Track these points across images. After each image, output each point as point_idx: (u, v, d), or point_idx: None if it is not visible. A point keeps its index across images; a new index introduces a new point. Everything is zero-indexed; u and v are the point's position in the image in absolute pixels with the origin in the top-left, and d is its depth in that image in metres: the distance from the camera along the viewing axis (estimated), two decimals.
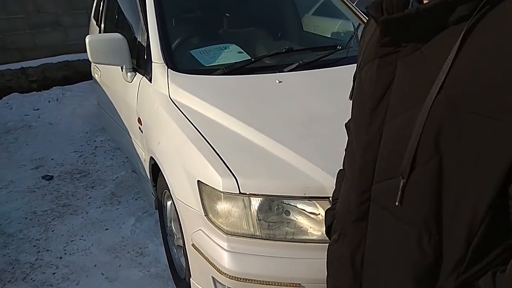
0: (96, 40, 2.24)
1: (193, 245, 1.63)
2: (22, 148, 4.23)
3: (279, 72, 2.11)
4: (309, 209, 1.48)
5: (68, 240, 2.67)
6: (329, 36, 3.08)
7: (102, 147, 4.14)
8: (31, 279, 2.35)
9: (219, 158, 1.56)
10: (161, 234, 2.56)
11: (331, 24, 3.20)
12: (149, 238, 2.63)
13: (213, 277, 1.57)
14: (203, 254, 1.57)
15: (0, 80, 5.77)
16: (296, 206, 1.48)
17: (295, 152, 1.54)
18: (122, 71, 2.37)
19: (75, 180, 3.48)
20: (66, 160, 3.87)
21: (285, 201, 1.49)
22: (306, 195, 1.45)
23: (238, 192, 1.47)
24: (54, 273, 2.39)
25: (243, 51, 2.35)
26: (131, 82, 2.35)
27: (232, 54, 2.33)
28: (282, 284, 1.45)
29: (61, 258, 2.51)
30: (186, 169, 1.65)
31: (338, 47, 2.36)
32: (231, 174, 1.49)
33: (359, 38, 2.78)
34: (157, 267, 2.38)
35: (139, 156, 2.46)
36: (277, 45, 2.68)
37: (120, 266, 2.42)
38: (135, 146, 2.48)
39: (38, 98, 5.70)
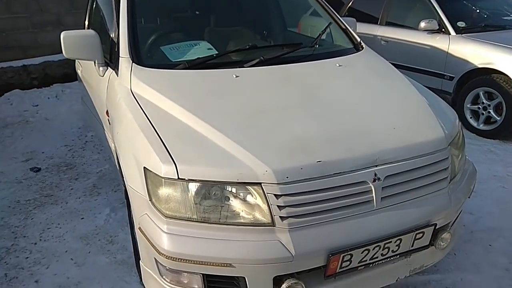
0: (70, 36, 2.35)
1: (139, 228, 1.72)
2: (17, 141, 4.39)
3: (239, 67, 2.19)
4: (242, 194, 1.56)
5: (45, 228, 2.79)
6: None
7: (92, 141, 4.27)
8: (5, 262, 2.47)
9: (163, 146, 1.65)
10: None
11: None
12: (120, 227, 2.73)
13: (155, 259, 1.65)
14: (147, 237, 1.66)
15: (2, 77, 5.97)
16: (231, 191, 1.56)
17: (232, 141, 1.63)
18: (95, 65, 2.48)
19: (61, 172, 3.61)
20: (56, 153, 4.02)
21: (222, 186, 1.57)
22: (239, 181, 1.53)
23: (177, 178, 1.56)
24: (27, 258, 2.50)
25: (213, 48, 2.44)
26: (103, 76, 2.46)
27: (201, 50, 2.41)
28: (215, 264, 1.53)
29: (35, 244, 2.63)
30: (135, 156, 1.74)
31: (300, 45, 2.43)
32: (172, 161, 1.58)
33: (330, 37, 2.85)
34: (123, 254, 2.48)
35: (110, 148, 2.56)
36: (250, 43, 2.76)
37: (89, 252, 2.52)
38: (107, 138, 2.58)
39: (38, 95, 5.89)
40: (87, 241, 2.63)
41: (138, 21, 2.50)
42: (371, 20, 5.44)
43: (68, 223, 2.83)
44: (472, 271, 2.31)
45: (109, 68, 2.45)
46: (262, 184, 1.53)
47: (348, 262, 1.63)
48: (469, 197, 2.01)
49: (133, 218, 1.81)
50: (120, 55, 2.26)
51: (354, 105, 1.94)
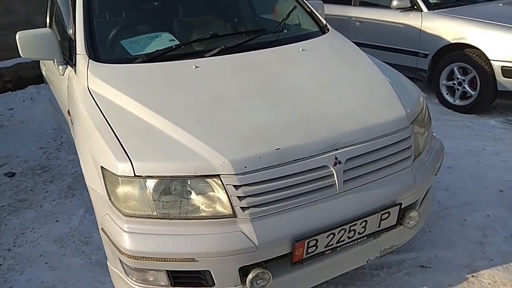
0: (26, 35, 2.27)
1: (102, 229, 1.69)
2: None
3: (200, 57, 2.14)
4: (201, 187, 1.53)
5: (19, 233, 2.75)
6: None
7: (67, 142, 4.19)
8: None
9: (118, 144, 1.61)
10: None
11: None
12: (95, 228, 2.67)
13: (119, 259, 1.63)
14: (109, 237, 1.63)
15: None
16: (190, 185, 1.54)
17: (189, 134, 1.59)
18: (54, 64, 2.41)
19: (36, 175, 3.55)
20: (31, 156, 3.94)
21: (182, 181, 1.54)
22: (196, 174, 1.51)
23: (133, 175, 1.52)
24: (0, 265, 2.46)
25: (175, 39, 2.38)
26: (63, 75, 2.40)
27: (163, 42, 2.35)
28: (178, 260, 1.51)
29: (9, 250, 2.59)
30: (92, 156, 1.70)
31: (263, 31, 2.40)
32: (127, 158, 1.54)
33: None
34: (98, 254, 2.44)
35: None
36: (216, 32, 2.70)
37: (64, 255, 2.49)
38: (73, 138, 2.53)
39: (13, 98, 5.77)
40: (61, 243, 2.59)
41: (97, 15, 2.44)
42: (345, 1, 5.40)
43: (42, 226, 2.79)
44: (447, 247, 2.33)
45: (68, 66, 2.38)
46: (220, 175, 1.50)
47: (314, 248, 1.62)
48: (436, 174, 2.00)
49: (97, 219, 1.78)
50: (77, 52, 2.20)
51: (314, 90, 1.91)
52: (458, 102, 4.27)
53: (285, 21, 2.76)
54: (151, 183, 1.53)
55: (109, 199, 1.61)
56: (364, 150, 1.68)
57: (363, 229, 1.71)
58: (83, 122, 1.87)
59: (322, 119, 1.71)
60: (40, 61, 3.31)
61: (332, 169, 1.61)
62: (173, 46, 2.21)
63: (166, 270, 1.56)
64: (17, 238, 2.70)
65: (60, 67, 2.39)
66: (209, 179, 1.52)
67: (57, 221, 2.83)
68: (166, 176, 1.52)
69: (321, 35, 2.57)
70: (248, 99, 1.81)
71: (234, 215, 1.52)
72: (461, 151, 3.40)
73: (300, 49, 2.27)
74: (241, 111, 1.73)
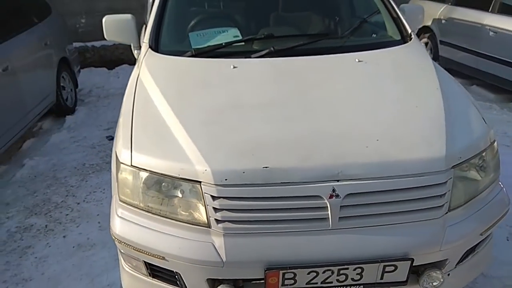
0: (110, 19, 2.54)
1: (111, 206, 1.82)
2: (109, 111, 4.98)
3: (245, 57, 2.10)
4: (184, 190, 1.52)
5: (92, 191, 3.15)
6: None
7: None
8: (50, 215, 2.87)
9: (130, 132, 1.69)
10: None
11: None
12: None
13: None
14: (110, 217, 1.75)
15: (114, 53, 6.78)
16: (176, 186, 1.54)
17: (189, 136, 1.58)
18: (131, 48, 2.65)
19: None
20: None
21: (173, 180, 1.55)
22: (180, 176, 1.50)
23: (130, 164, 1.59)
24: (67, 214, 2.87)
25: (239, 35, 2.38)
26: (137, 59, 2.61)
27: (226, 37, 2.37)
28: (151, 255, 1.54)
29: (78, 203, 2.99)
30: (115, 140, 1.83)
31: (325, 36, 2.23)
32: (130, 148, 1.62)
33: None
34: None
35: None
36: (290, 31, 2.61)
37: None
38: None
39: None
40: None
41: (176, 5, 2.58)
42: (483, 6, 4.65)
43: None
44: None
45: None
46: (201, 183, 1.47)
47: (292, 281, 1.47)
48: (481, 235, 1.61)
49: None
50: (143, 40, 2.37)
51: (344, 109, 1.70)
52: None
53: (368, 25, 2.53)
54: (143, 176, 1.57)
55: (116, 181, 1.72)
56: (371, 188, 1.44)
57: (359, 276, 1.49)
58: (121, 106, 2.02)
59: (331, 143, 1.51)
60: None
61: (326, 201, 1.43)
62: (223, 43, 2.20)
63: (144, 261, 1.61)
64: (88, 195, 3.10)
65: (136, 51, 2.61)
66: (191, 184, 1.49)
67: None
68: (156, 172, 1.54)
69: (400, 44, 2.27)
70: (266, 108, 1.71)
71: (208, 225, 1.48)
72: None
73: (356, 60, 2.04)
74: (250, 121, 1.65)
